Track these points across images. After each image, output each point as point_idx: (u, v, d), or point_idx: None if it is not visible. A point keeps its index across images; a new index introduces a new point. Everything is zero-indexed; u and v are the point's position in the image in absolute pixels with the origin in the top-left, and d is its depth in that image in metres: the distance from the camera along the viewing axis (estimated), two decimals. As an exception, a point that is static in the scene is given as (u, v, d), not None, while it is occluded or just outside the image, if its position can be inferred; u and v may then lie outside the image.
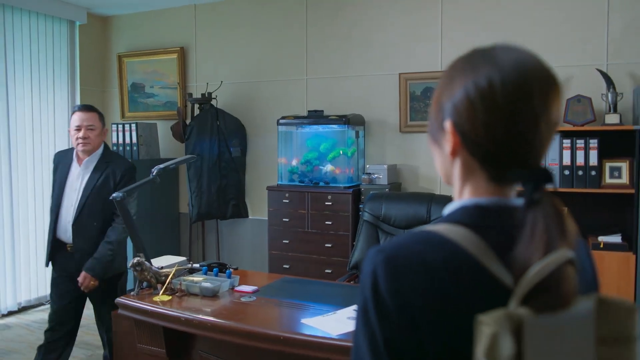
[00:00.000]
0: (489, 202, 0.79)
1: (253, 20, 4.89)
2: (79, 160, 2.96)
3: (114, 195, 2.47)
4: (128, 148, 4.81)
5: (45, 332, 3.05)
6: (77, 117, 2.90)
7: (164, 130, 5.16)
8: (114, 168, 2.94)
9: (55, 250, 2.99)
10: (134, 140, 4.79)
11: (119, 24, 5.53)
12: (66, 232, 2.92)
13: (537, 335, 0.66)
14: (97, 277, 2.84)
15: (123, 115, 5.49)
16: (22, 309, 4.78)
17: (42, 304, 4.94)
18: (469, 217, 0.78)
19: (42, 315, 4.68)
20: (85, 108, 2.96)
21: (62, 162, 2.99)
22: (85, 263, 2.85)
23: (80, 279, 2.83)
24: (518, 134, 0.75)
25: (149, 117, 5.32)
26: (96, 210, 2.88)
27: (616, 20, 3.68)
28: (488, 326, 0.64)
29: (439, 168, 0.87)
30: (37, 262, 4.91)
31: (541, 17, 3.87)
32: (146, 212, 4.68)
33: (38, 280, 4.93)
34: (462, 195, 0.82)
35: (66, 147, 5.23)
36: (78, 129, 2.88)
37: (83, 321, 4.49)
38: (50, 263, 3.08)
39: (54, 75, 5.04)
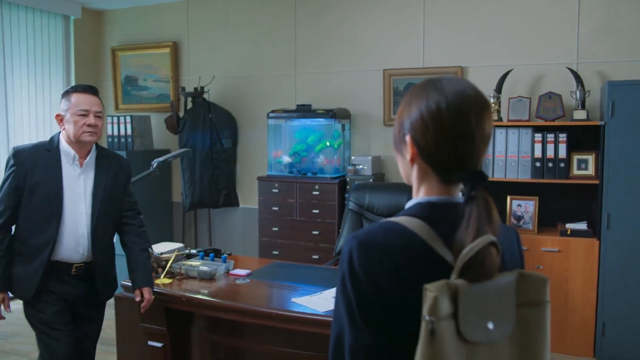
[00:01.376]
0: (438, 199, 1.02)
1: (244, 17, 5.06)
2: (80, 157, 2.40)
3: None
4: (123, 140, 4.99)
5: None
6: (83, 100, 2.34)
7: (157, 122, 5.34)
8: (118, 165, 2.52)
9: (51, 276, 2.35)
10: (129, 132, 4.97)
11: (112, 18, 5.68)
12: (77, 248, 2.37)
13: (468, 299, 0.89)
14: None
15: (117, 107, 5.66)
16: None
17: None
18: (422, 211, 1.01)
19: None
20: (91, 90, 2.41)
21: (40, 160, 2.34)
22: (138, 278, 2.42)
23: (146, 295, 2.40)
24: (459, 146, 0.98)
25: (142, 110, 5.49)
26: (110, 216, 2.47)
27: (586, 23, 3.92)
28: (431, 292, 0.87)
29: (402, 171, 1.10)
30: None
31: (517, 18, 4.10)
32: (141, 202, 4.84)
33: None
34: (418, 194, 1.05)
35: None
36: (84, 113, 2.32)
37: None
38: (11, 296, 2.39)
39: (50, 68, 5.19)
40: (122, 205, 2.55)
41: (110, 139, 5.04)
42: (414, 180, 1.06)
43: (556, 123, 3.78)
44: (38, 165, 2.32)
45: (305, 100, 4.76)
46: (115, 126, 5.00)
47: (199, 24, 5.27)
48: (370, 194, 3.59)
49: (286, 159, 4.67)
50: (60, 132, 2.43)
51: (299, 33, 4.86)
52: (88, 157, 2.42)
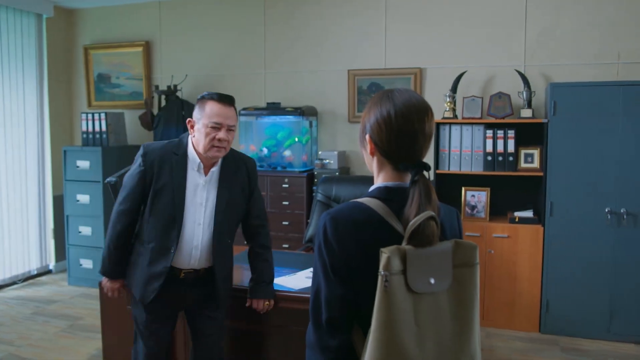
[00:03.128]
0: (393, 184, 1.30)
1: (215, 18, 5.27)
2: (205, 168, 2.27)
3: (107, 179, 2.77)
4: (97, 136, 5.13)
5: None
6: (217, 111, 2.18)
7: (130, 119, 5.50)
8: (245, 170, 2.39)
9: (165, 281, 2.24)
10: (103, 128, 5.12)
11: (85, 17, 5.78)
12: (188, 259, 2.26)
13: (414, 260, 1.17)
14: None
15: (89, 104, 5.79)
16: (-3, 288, 5.08)
17: (16, 283, 5.24)
18: (380, 193, 1.29)
19: (17, 292, 4.99)
20: (228, 100, 2.24)
21: (167, 163, 2.21)
22: (252, 287, 2.41)
23: (255, 305, 2.42)
24: (405, 143, 1.26)
25: (115, 107, 5.63)
26: (231, 226, 2.38)
27: (532, 28, 4.29)
28: (385, 254, 1.14)
29: (366, 162, 1.39)
30: (10, 243, 5.20)
31: (471, 24, 4.44)
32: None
33: (11, 260, 5.23)
34: (377, 180, 1.34)
35: (48, 137, 5.51)
36: (216, 126, 2.17)
37: (59, 296, 4.89)
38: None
39: (23, 66, 5.28)
40: (250, 211, 2.44)
41: (84, 135, 5.17)
42: (374, 169, 1.35)
43: (505, 120, 4.14)
44: (164, 168, 2.19)
45: (275, 98, 5.01)
46: (90, 122, 5.13)
47: (171, 23, 5.44)
48: (337, 186, 3.87)
49: (264, 151, 4.89)
50: (188, 135, 2.28)
51: (268, 34, 5.10)
52: (215, 167, 2.29)
